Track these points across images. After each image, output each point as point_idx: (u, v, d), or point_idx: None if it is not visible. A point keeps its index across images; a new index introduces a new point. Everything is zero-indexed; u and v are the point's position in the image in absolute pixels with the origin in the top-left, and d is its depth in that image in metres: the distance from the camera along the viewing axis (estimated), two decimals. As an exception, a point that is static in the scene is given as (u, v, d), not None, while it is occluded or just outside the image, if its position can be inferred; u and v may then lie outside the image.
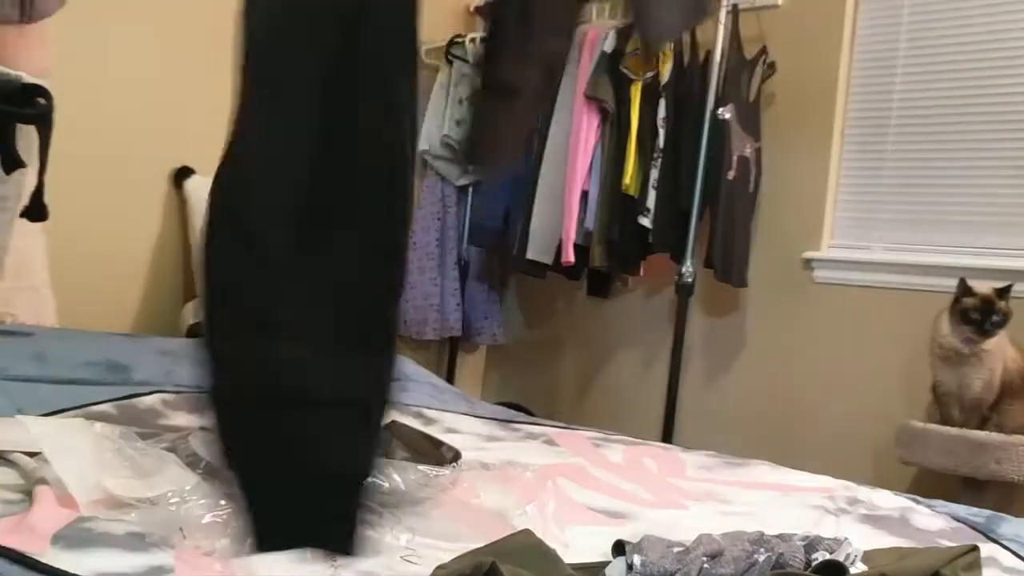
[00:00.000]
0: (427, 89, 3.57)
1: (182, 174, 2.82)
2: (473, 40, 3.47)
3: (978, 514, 1.71)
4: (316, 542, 0.89)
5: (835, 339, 3.05)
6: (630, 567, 1.05)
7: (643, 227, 3.05)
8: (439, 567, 1.00)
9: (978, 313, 2.41)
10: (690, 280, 3.05)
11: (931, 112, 2.97)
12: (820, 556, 1.07)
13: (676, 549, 1.09)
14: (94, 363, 2.10)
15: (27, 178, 0.70)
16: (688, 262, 3.04)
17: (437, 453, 1.57)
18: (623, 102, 3.10)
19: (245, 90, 0.79)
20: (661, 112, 3.07)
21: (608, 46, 3.13)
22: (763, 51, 3.13)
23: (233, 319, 0.80)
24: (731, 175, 2.99)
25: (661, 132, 3.07)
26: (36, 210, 0.66)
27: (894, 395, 2.89)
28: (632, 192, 3.06)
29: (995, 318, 2.41)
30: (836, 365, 3.04)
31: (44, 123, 0.67)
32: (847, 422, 2.99)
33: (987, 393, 2.47)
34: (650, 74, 3.04)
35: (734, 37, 3.06)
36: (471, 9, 3.74)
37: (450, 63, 3.54)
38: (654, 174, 3.05)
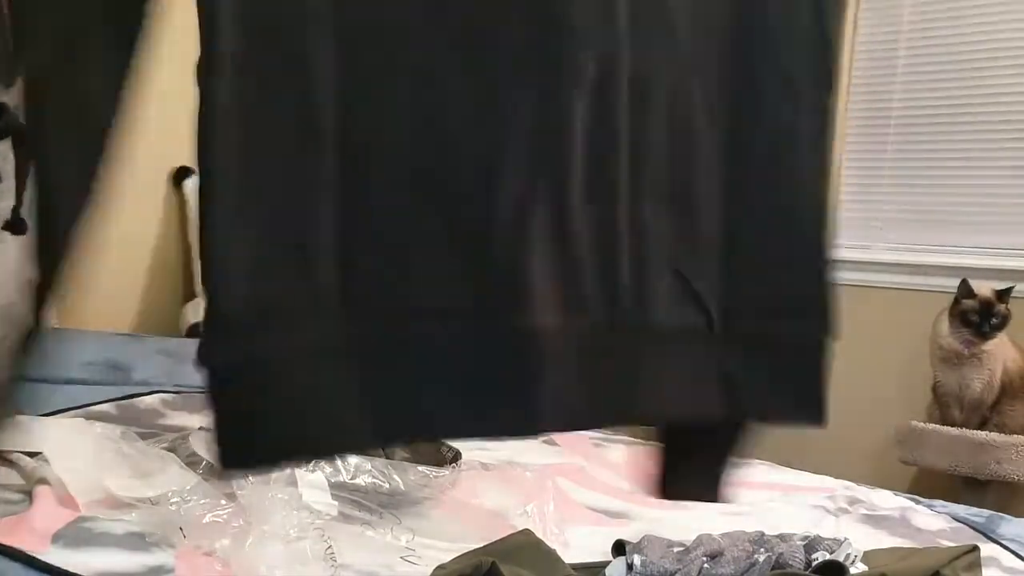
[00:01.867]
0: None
1: (182, 174, 2.81)
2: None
3: (978, 514, 1.71)
4: None
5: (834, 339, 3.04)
6: (630, 567, 1.05)
7: (643, 227, 3.04)
8: (439, 567, 1.00)
9: (977, 315, 2.41)
10: (690, 280, 3.05)
11: (931, 112, 2.97)
12: (820, 556, 1.07)
13: (676, 549, 1.09)
14: (94, 363, 2.10)
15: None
16: (688, 262, 3.04)
17: (437, 453, 1.56)
18: (623, 102, 3.10)
19: None
20: (661, 112, 3.07)
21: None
22: (763, 51, 3.12)
23: None
24: (731, 175, 2.99)
25: (661, 132, 3.07)
26: (14, 224, 0.68)
27: (894, 395, 2.89)
28: (632, 192, 3.05)
29: (994, 320, 2.40)
30: (836, 365, 3.03)
31: (16, 139, 0.68)
32: (847, 422, 2.98)
33: (987, 394, 2.46)
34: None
35: (734, 37, 3.05)
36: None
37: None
38: (654, 174, 3.05)
